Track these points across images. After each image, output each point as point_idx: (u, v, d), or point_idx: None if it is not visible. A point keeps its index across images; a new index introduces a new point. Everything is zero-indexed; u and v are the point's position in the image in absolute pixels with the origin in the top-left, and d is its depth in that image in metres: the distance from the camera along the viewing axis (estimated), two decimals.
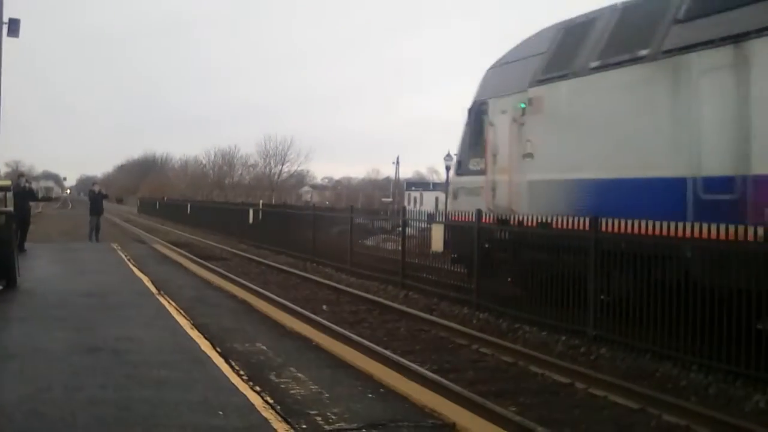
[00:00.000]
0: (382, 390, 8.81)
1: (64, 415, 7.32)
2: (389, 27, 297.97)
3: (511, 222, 15.17)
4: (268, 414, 7.40)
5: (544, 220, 13.98)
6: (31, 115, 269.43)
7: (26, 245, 24.56)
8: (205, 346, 10.70)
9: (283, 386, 8.83)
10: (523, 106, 15.56)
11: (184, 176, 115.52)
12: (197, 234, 40.18)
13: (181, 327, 12.16)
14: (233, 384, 8.65)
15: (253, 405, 7.75)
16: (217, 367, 9.50)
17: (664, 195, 12.10)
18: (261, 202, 34.51)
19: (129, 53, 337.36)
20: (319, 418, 7.48)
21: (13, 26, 24.63)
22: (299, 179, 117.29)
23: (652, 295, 11.37)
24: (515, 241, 15.13)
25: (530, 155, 15.33)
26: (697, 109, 11.60)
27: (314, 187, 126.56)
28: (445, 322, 14.58)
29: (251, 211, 34.21)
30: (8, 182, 23.02)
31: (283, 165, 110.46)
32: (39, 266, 20.41)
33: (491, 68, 17.72)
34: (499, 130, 16.44)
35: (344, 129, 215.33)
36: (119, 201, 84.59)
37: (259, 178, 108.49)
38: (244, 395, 8.14)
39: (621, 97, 13.23)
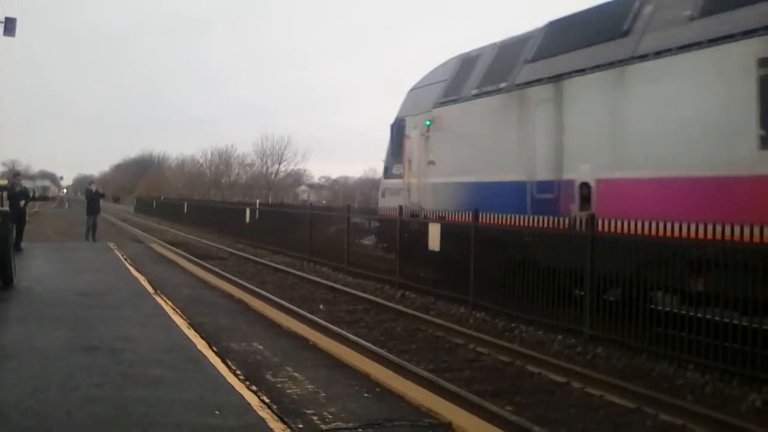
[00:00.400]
0: (378, 389, 8.82)
1: (61, 414, 7.32)
2: (388, 27, 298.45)
3: (421, 216, 18.74)
4: (264, 413, 7.40)
5: (441, 214, 17.77)
6: (28, 115, 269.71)
7: (23, 245, 24.52)
8: (201, 345, 10.70)
9: (279, 386, 8.83)
10: (428, 123, 19.68)
11: (180, 175, 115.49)
12: (194, 233, 40.16)
13: (177, 326, 12.15)
14: (229, 383, 8.65)
15: (249, 404, 7.75)
16: (214, 366, 9.50)
17: (514, 194, 15.81)
18: (258, 201, 34.42)
19: (127, 53, 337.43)
20: (315, 418, 7.48)
21: (9, 25, 24.55)
22: (296, 178, 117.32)
23: (509, 270, 14.57)
24: (421, 232, 18.16)
25: (433, 163, 19.46)
26: (533, 131, 15.42)
27: (311, 186, 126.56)
28: (441, 321, 14.61)
29: (248, 211, 34.17)
30: (5, 182, 22.98)
31: (280, 164, 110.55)
32: (36, 265, 20.39)
33: (410, 91, 21.89)
34: (413, 143, 20.56)
35: (341, 128, 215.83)
36: (116, 200, 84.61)
37: (256, 178, 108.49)
38: (241, 394, 8.14)
39: (489, 119, 17.06)
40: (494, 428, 7.56)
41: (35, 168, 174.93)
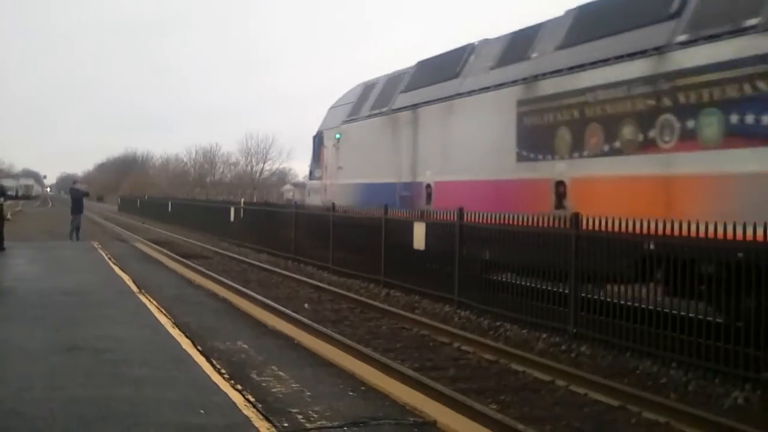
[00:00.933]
0: (363, 388, 8.81)
1: (44, 414, 7.28)
2: (367, 24, 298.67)
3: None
4: (249, 412, 7.39)
5: (345, 210, 22.79)
6: (10, 113, 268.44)
7: (5, 244, 24.40)
8: (186, 344, 10.65)
9: (264, 384, 8.81)
10: (338, 136, 25.36)
11: (165, 174, 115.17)
12: (178, 232, 40.08)
13: (162, 325, 12.11)
14: (214, 382, 8.63)
15: (234, 403, 7.73)
16: (198, 365, 9.46)
17: (389, 192, 21.20)
18: (242, 200, 34.34)
19: (108, 51, 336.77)
20: (300, 417, 7.47)
21: None
22: (281, 177, 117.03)
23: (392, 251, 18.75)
24: (341, 225, 22.18)
25: (341, 168, 25.10)
26: (400, 145, 21.01)
27: (296, 185, 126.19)
28: (426, 320, 14.64)
29: (232, 210, 34.11)
30: None
31: (264, 163, 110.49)
32: (19, 265, 20.28)
33: (329, 109, 27.62)
34: (328, 151, 26.31)
35: None
36: (99, 199, 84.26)
37: (240, 176, 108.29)
38: (226, 394, 8.12)
39: (376, 136, 22.77)
40: (479, 426, 7.58)
41: (18, 167, 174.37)
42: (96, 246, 26.82)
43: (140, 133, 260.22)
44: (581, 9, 15.53)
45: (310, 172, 29.36)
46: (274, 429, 6.90)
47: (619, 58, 13.62)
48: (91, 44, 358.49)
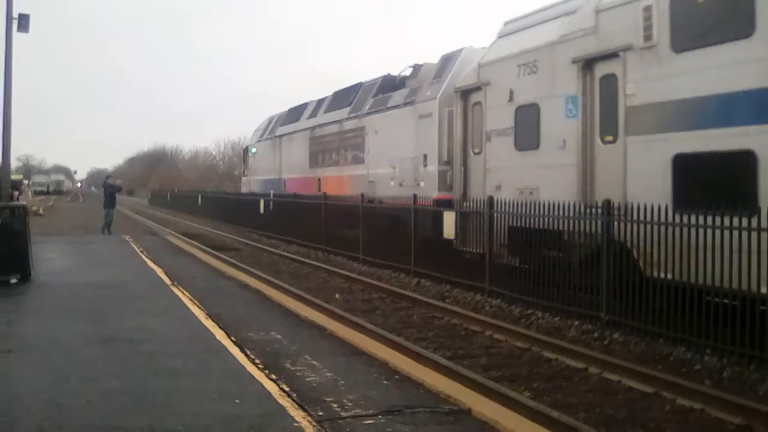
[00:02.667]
0: (396, 377, 8.80)
1: (81, 405, 7.39)
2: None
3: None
4: (284, 401, 7.43)
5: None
6: (42, 109, 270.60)
7: (39, 238, 24.61)
8: (219, 335, 10.74)
9: (298, 374, 8.84)
10: (253, 150, 40.92)
11: (194, 168, 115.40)
12: (208, 225, 40.27)
13: (195, 317, 12.20)
14: (249, 372, 8.69)
15: (269, 393, 7.78)
16: (233, 355, 9.54)
17: (276, 184, 35.08)
18: (272, 192, 34.38)
19: (138, 45, 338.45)
20: (335, 405, 7.49)
21: (23, 21, 24.73)
22: None
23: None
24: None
25: (254, 170, 40.23)
26: (275, 156, 36.12)
27: None
28: (458, 309, 14.63)
29: (262, 202, 34.17)
30: (20, 176, 23.08)
31: None
32: (52, 259, 20.48)
33: (253, 131, 43.41)
34: (249, 159, 42.18)
35: None
36: (130, 193, 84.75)
37: None
38: (260, 383, 8.18)
39: (268, 150, 37.62)
40: (513, 414, 7.57)
41: (49, 162, 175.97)
42: (128, 239, 27.06)
43: (170, 127, 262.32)
44: (335, 93, 30.90)
45: (243, 171, 45.66)
46: (309, 418, 6.94)
47: (336, 121, 28.66)
48: (120, 39, 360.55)
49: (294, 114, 34.99)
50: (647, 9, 12.73)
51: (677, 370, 10.37)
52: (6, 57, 23.81)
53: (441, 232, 17.97)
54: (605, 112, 14.00)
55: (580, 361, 10.81)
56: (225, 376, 8.52)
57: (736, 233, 10.13)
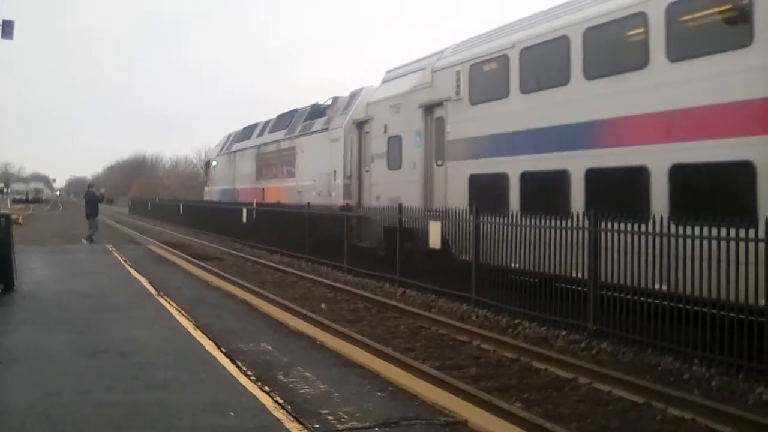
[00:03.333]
0: (390, 388, 8.80)
1: (75, 418, 7.34)
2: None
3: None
4: (279, 414, 7.42)
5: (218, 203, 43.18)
6: (20, 118, 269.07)
7: (20, 247, 24.44)
8: (209, 346, 10.70)
9: (292, 386, 8.82)
10: (214, 164, 48.92)
11: (175, 176, 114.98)
12: (190, 234, 40.11)
13: (183, 328, 12.16)
14: (242, 384, 8.67)
15: (263, 405, 7.76)
16: (224, 367, 9.51)
17: (229, 194, 42.62)
18: (255, 201, 34.30)
19: (117, 55, 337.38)
20: (331, 418, 7.48)
21: (7, 28, 24.61)
22: None
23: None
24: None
25: (215, 180, 48.15)
26: (230, 169, 43.47)
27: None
28: (444, 319, 14.67)
29: (244, 211, 34.09)
30: (1, 185, 22.93)
31: None
32: (35, 268, 20.35)
33: (214, 147, 52.33)
34: (211, 171, 49.78)
35: None
36: (110, 202, 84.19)
37: None
38: (254, 395, 8.16)
39: (225, 164, 45.32)
40: (509, 425, 7.59)
41: (28, 170, 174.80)
42: (110, 249, 26.93)
43: (150, 135, 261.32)
44: (277, 116, 36.83)
45: (205, 182, 52.80)
46: (305, 430, 6.92)
47: (275, 141, 34.54)
48: (103, 47, 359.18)
49: (246, 132, 41.47)
50: (458, 73, 18.69)
51: (666, 379, 10.44)
52: None
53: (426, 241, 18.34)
54: (438, 144, 19.75)
55: (570, 372, 10.87)
56: (218, 388, 8.49)
57: (506, 228, 15.44)
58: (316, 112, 31.25)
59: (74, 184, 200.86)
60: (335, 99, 30.02)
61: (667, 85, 12.78)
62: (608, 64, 14.26)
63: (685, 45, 12.60)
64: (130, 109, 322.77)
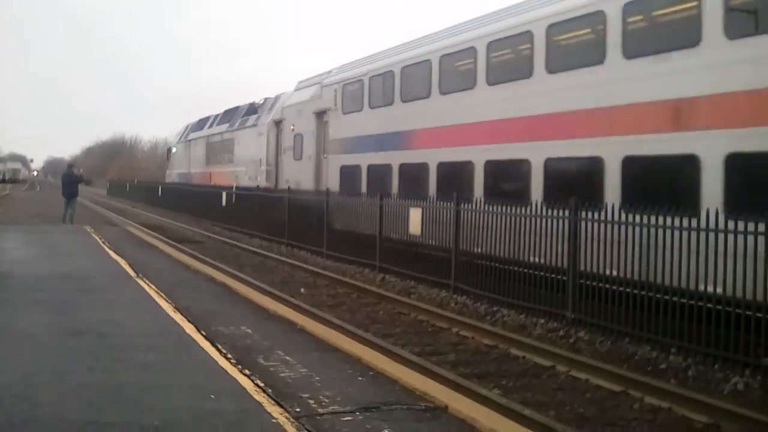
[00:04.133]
0: (371, 373, 8.79)
1: (54, 398, 7.28)
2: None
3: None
4: (260, 397, 7.40)
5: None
6: None
7: None
8: (189, 329, 10.66)
9: (272, 369, 8.79)
10: (174, 150, 55.49)
11: (153, 158, 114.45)
12: (169, 217, 39.98)
13: (163, 310, 12.10)
14: (222, 367, 8.64)
15: (244, 388, 7.74)
16: (204, 350, 9.47)
17: (185, 177, 49.13)
18: (234, 185, 34.25)
19: (98, 32, 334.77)
20: (312, 401, 7.46)
21: None
22: None
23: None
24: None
25: (174, 165, 54.56)
26: (187, 155, 49.98)
27: None
28: (424, 305, 14.75)
29: (224, 194, 34.01)
30: None
31: None
32: (12, 248, 20.17)
33: (176, 134, 56.41)
34: (172, 157, 56.09)
35: None
36: (87, 183, 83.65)
37: None
38: (234, 378, 8.13)
39: (182, 150, 51.70)
40: (489, 411, 7.63)
41: (5, 150, 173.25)
42: (89, 230, 26.75)
43: (129, 116, 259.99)
44: (224, 111, 43.02)
45: (167, 166, 58.18)
46: (286, 414, 6.90)
47: (220, 132, 41.17)
48: (80, 24, 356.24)
49: (200, 123, 47.95)
50: (335, 90, 25.52)
51: (643, 368, 10.57)
52: None
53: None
54: (325, 141, 26.35)
55: (548, 359, 10.97)
56: (198, 371, 8.46)
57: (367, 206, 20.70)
58: (251, 110, 37.37)
59: (52, 165, 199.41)
60: (266, 99, 35.86)
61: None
62: (414, 91, 20.90)
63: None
64: (110, 90, 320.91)
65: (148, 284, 14.59)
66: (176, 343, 9.89)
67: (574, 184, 14.51)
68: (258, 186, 32.48)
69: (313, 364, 9.08)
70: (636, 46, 13.52)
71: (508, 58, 17.45)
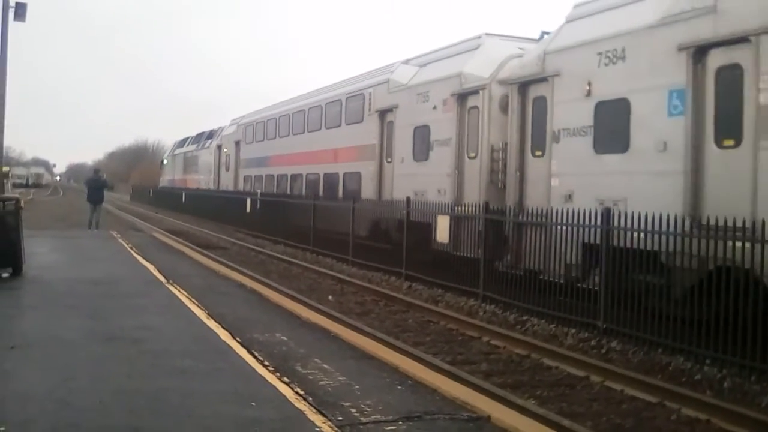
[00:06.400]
0: (409, 382, 8.76)
1: (94, 404, 7.31)
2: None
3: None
4: (301, 405, 7.39)
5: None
6: (20, 101, 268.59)
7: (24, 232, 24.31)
8: (224, 335, 10.68)
9: (311, 377, 8.78)
10: (165, 162, 69.96)
11: None
12: (193, 222, 40.04)
13: (196, 316, 12.14)
14: (260, 374, 8.65)
15: (284, 396, 7.74)
16: (241, 357, 9.49)
17: (173, 183, 62.54)
18: (259, 191, 34.27)
19: (119, 40, 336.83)
20: (353, 410, 7.44)
21: (20, 10, 24.55)
22: None
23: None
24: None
25: (165, 173, 68.72)
26: (174, 165, 64.00)
27: None
28: (452, 314, 14.70)
29: (249, 200, 34.04)
30: (8, 169, 22.88)
31: None
32: (41, 253, 20.23)
33: (169, 149, 74.25)
34: (164, 167, 70.73)
35: None
36: (111, 188, 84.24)
37: None
38: (274, 386, 8.13)
39: (172, 162, 65.32)
40: (532, 422, 7.60)
41: (28, 155, 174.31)
42: (115, 235, 26.89)
43: (152, 121, 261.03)
44: (197, 134, 56.34)
45: (160, 174, 72.27)
46: (329, 423, 6.89)
47: (191, 150, 56.08)
48: (101, 31, 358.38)
49: (182, 142, 61.81)
50: (245, 128, 40.65)
51: (677, 379, 10.44)
52: (1, 47, 23.57)
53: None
54: (237, 160, 41.99)
55: (581, 369, 10.89)
56: (237, 378, 8.47)
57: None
58: (209, 135, 50.71)
59: (74, 170, 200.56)
60: (219, 128, 48.52)
61: None
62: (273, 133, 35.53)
63: None
64: (132, 95, 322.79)
65: (179, 290, 14.65)
66: (212, 349, 9.92)
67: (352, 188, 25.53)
68: (209, 188, 46.90)
69: (351, 372, 9.07)
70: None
71: (315, 117, 30.12)
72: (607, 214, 12.66)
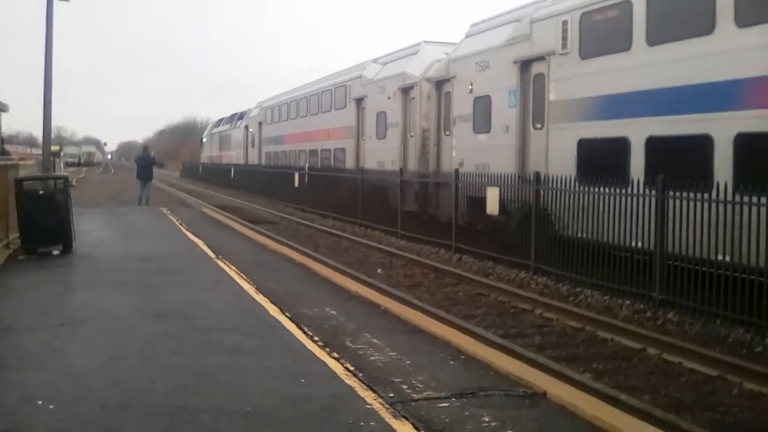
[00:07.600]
0: (462, 357, 8.54)
1: (143, 382, 7.23)
2: None
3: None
4: (351, 382, 7.24)
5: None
6: (72, 81, 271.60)
7: (74, 210, 24.46)
8: (273, 310, 10.56)
9: (361, 353, 8.62)
10: (204, 140, 77.96)
11: None
12: (242, 198, 40.21)
13: (245, 291, 12.05)
14: (309, 350, 8.51)
15: (334, 372, 7.60)
16: (290, 332, 9.36)
17: (211, 158, 71.03)
18: (307, 165, 34.28)
19: (168, 18, 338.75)
20: (405, 386, 7.27)
21: None
22: None
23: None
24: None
25: (205, 150, 76.59)
26: (211, 143, 72.59)
27: None
28: (504, 286, 14.50)
29: (297, 175, 34.02)
30: (58, 147, 23.00)
31: None
32: (91, 231, 20.28)
33: (207, 128, 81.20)
34: (204, 145, 77.49)
35: None
36: (161, 166, 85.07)
37: None
38: (323, 362, 7.99)
39: (210, 140, 72.97)
40: (589, 397, 7.37)
41: (80, 134, 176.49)
42: (165, 211, 26.99)
43: (201, 98, 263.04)
44: (231, 114, 62.91)
45: (201, 151, 79.39)
46: (380, 399, 6.72)
47: (225, 129, 63.55)
48: (151, 10, 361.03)
49: (218, 122, 68.58)
50: (265, 111, 47.14)
51: (737, 352, 10.13)
52: (47, 27, 23.64)
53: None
54: (261, 138, 48.88)
55: (637, 342, 10.63)
56: (286, 354, 8.34)
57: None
58: (240, 116, 56.28)
59: (125, 148, 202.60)
60: (248, 110, 53.19)
61: None
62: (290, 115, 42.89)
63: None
64: (181, 72, 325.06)
65: (228, 265, 14.58)
66: (261, 325, 9.80)
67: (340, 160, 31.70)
68: (252, 163, 49.72)
69: (401, 347, 8.90)
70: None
71: (314, 103, 36.04)
72: (537, 176, 16.27)
